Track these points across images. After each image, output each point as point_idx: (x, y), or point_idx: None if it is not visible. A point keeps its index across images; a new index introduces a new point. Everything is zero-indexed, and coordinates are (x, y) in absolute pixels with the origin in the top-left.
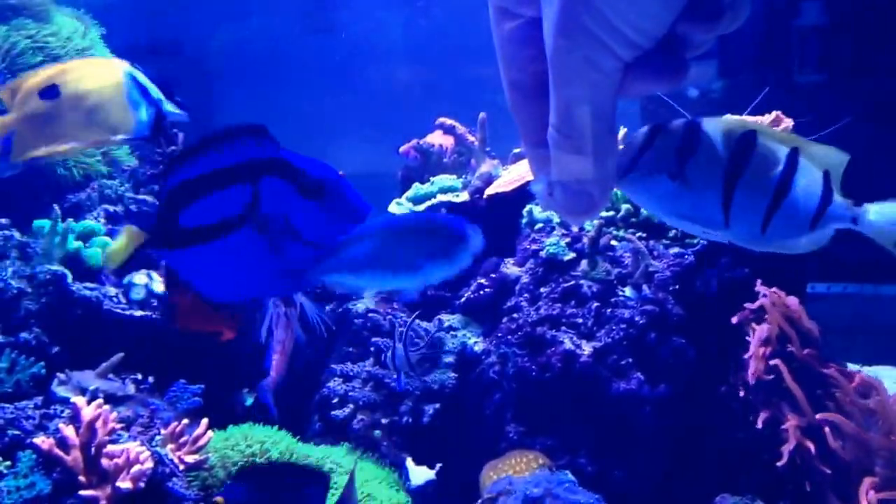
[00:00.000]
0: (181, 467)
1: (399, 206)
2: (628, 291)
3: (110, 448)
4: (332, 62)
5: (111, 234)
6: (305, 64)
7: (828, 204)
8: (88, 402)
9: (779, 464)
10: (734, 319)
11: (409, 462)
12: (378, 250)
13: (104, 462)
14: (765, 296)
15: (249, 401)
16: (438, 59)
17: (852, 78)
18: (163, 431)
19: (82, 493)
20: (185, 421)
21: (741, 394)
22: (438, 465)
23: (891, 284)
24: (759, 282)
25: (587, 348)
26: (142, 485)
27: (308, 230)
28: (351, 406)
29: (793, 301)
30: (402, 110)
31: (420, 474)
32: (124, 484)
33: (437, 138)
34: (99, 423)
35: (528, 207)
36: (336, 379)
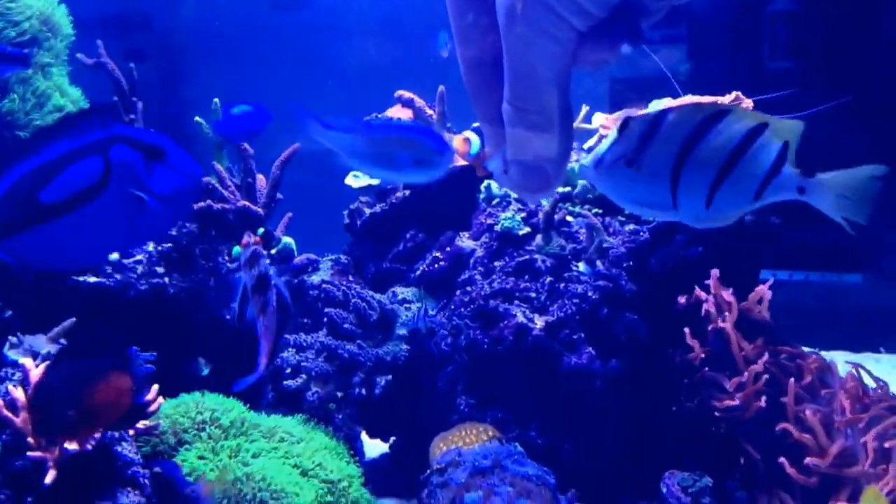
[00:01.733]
0: (131, 432)
1: (356, 179)
2: (582, 267)
3: None
4: (300, 38)
5: None
6: (274, 39)
7: (775, 175)
8: (38, 366)
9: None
10: (681, 299)
11: (364, 436)
12: (373, 147)
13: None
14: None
15: (205, 370)
16: (407, 35)
17: (823, 65)
18: None
19: (30, 454)
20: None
21: (691, 371)
22: (392, 439)
23: (851, 273)
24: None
25: (539, 322)
26: (89, 447)
27: (157, 186)
28: (303, 376)
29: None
30: (371, 87)
31: (374, 448)
32: (71, 445)
33: (395, 112)
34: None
35: (485, 183)
36: (289, 349)
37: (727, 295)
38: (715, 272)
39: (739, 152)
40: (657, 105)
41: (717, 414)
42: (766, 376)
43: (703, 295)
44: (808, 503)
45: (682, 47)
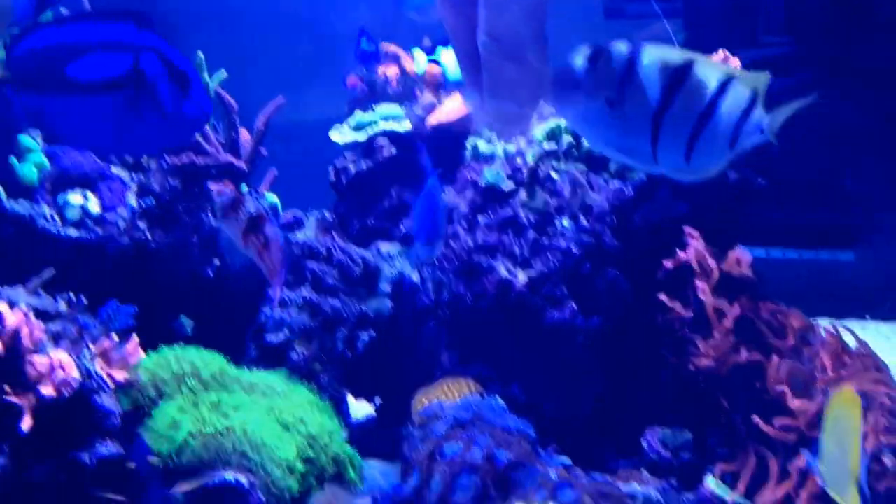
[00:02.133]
0: (110, 384)
1: (340, 133)
2: (566, 222)
3: (35, 358)
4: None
5: (48, 152)
6: (266, 7)
7: (746, 120)
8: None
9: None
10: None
11: (350, 399)
12: None
13: (28, 370)
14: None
15: (189, 330)
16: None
17: (818, 41)
18: (92, 347)
19: (6, 398)
20: (115, 338)
21: (674, 329)
22: (378, 400)
23: (843, 250)
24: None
25: (522, 277)
26: (66, 393)
27: (169, 105)
28: (286, 331)
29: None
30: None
31: (361, 410)
32: (47, 390)
33: (381, 68)
34: (24, 332)
35: (472, 141)
36: (273, 305)
37: (708, 256)
38: (697, 235)
39: (715, 100)
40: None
41: (692, 369)
42: (733, 337)
43: (684, 255)
44: (789, 458)
45: (677, 21)
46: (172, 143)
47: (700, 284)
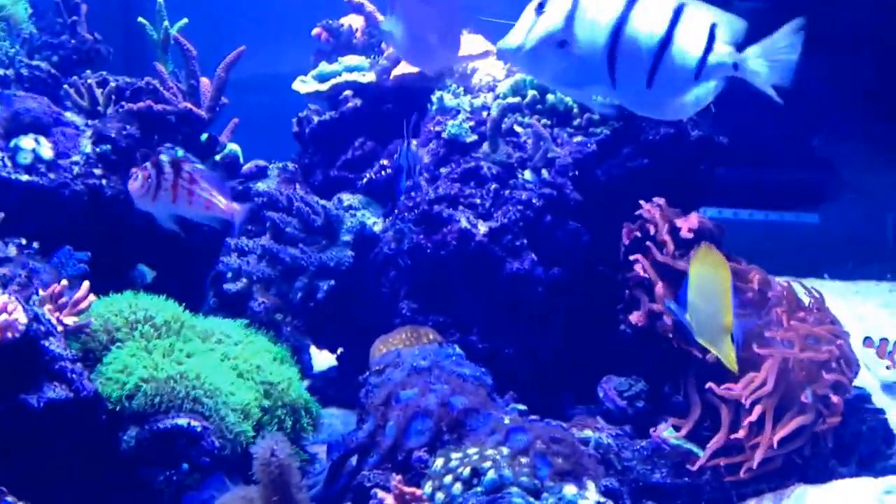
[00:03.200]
0: (59, 328)
1: (304, 84)
2: (528, 175)
3: None
4: None
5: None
6: None
7: (709, 52)
8: None
9: None
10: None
11: (313, 349)
12: None
13: None
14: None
15: (149, 278)
16: None
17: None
18: (41, 292)
19: None
20: (65, 283)
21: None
22: (340, 350)
23: (808, 212)
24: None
25: (483, 228)
26: (11, 336)
27: None
28: (244, 280)
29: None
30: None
31: (323, 359)
32: None
33: (347, 19)
34: None
35: (437, 94)
36: (231, 254)
37: (667, 217)
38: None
39: (671, 30)
40: None
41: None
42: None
43: (647, 213)
44: (740, 407)
45: None
46: None
47: (657, 245)
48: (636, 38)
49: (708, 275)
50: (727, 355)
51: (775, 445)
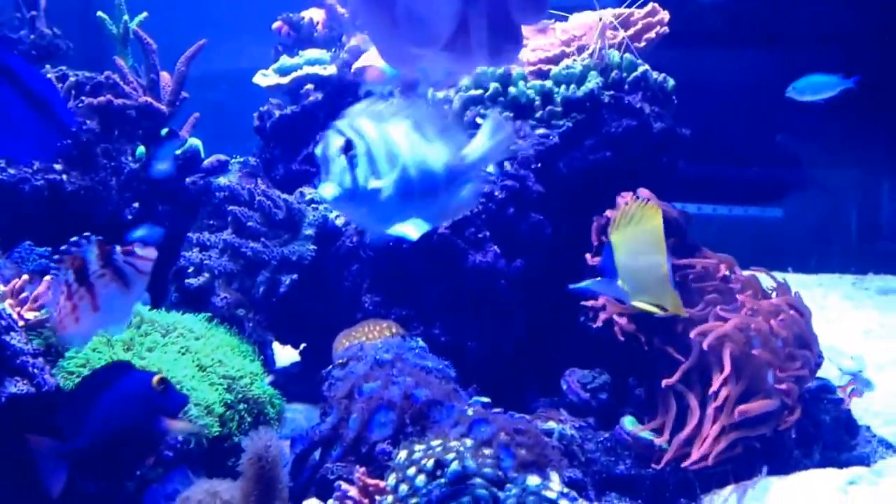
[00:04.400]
0: (21, 323)
1: (265, 77)
2: (490, 167)
3: None
4: None
5: None
6: None
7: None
8: None
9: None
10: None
11: (276, 345)
12: None
13: None
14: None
15: None
16: None
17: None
18: (2, 287)
19: None
20: (26, 277)
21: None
22: (303, 345)
23: (772, 207)
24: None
25: None
26: None
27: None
28: (206, 275)
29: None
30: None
31: (286, 355)
32: None
33: (308, 12)
34: None
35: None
36: (193, 249)
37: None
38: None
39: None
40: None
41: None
42: None
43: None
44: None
45: None
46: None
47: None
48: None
49: (634, 231)
50: (674, 302)
51: (737, 417)
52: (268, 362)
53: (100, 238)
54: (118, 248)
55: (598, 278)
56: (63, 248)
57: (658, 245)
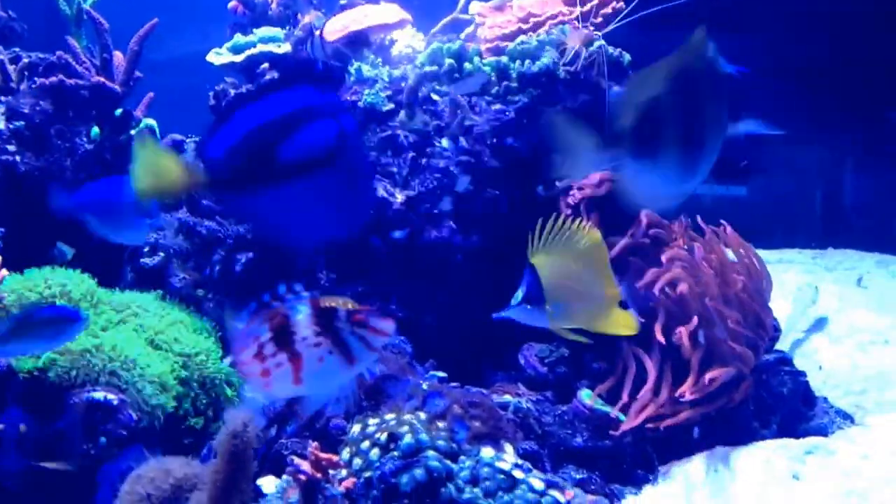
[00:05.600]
0: None
1: (218, 56)
2: (445, 143)
3: None
4: None
5: None
6: None
7: None
8: None
9: None
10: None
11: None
12: None
13: None
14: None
15: (69, 254)
16: None
17: None
18: None
19: None
20: None
21: None
22: None
23: (722, 184)
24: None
25: (400, 196)
26: None
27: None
28: (162, 254)
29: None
30: None
31: None
32: None
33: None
34: None
35: (356, 65)
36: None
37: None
38: None
39: None
40: None
41: None
42: None
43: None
44: (666, 358)
45: None
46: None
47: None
48: None
49: (565, 250)
50: (627, 322)
51: (708, 382)
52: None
53: (314, 294)
54: (343, 311)
55: (520, 304)
56: (266, 296)
57: (601, 267)
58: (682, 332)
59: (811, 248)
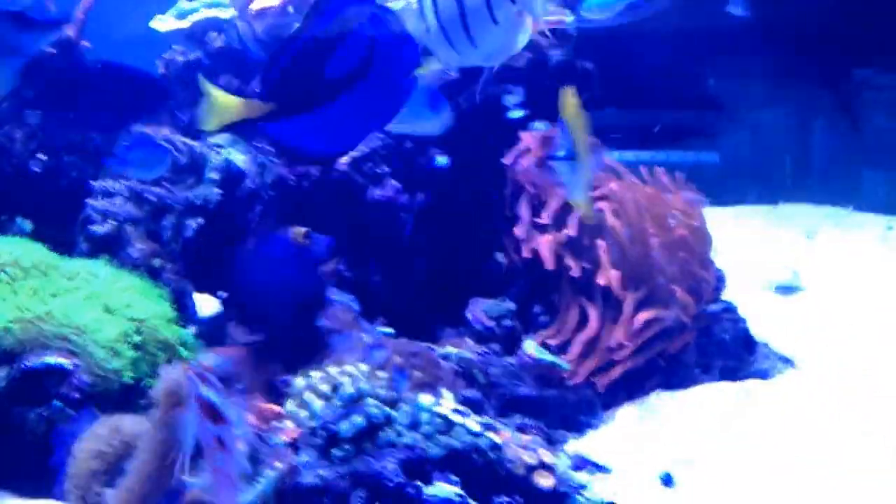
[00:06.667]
0: None
1: (162, 22)
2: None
3: None
4: None
5: None
6: None
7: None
8: None
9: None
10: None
11: (201, 295)
12: None
13: None
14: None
15: (28, 227)
16: None
17: None
18: None
19: None
20: None
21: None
22: (223, 294)
23: (694, 150)
24: None
25: (344, 157)
26: None
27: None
28: (112, 222)
29: None
30: None
31: (207, 305)
32: None
33: None
34: None
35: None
36: (98, 197)
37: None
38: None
39: None
40: None
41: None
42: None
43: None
44: (608, 304)
45: None
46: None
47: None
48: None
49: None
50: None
51: (642, 323)
52: (189, 312)
53: None
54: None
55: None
56: None
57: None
58: (611, 275)
59: (764, 202)
